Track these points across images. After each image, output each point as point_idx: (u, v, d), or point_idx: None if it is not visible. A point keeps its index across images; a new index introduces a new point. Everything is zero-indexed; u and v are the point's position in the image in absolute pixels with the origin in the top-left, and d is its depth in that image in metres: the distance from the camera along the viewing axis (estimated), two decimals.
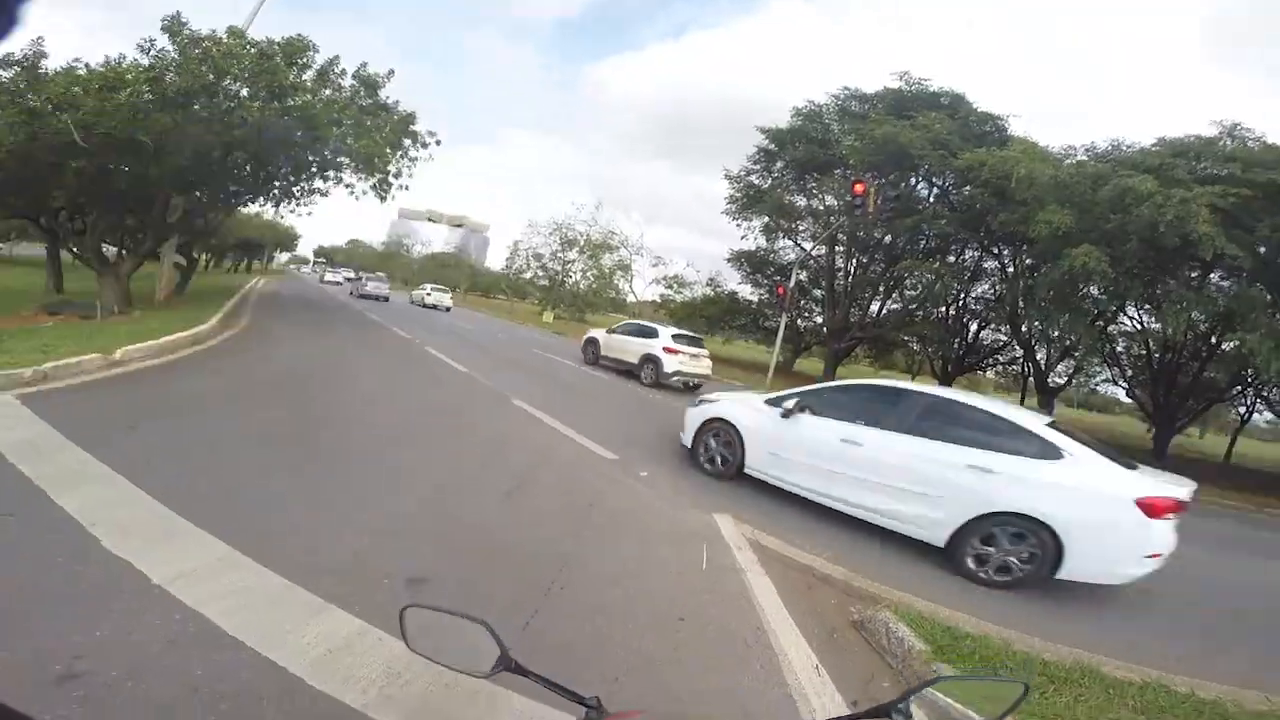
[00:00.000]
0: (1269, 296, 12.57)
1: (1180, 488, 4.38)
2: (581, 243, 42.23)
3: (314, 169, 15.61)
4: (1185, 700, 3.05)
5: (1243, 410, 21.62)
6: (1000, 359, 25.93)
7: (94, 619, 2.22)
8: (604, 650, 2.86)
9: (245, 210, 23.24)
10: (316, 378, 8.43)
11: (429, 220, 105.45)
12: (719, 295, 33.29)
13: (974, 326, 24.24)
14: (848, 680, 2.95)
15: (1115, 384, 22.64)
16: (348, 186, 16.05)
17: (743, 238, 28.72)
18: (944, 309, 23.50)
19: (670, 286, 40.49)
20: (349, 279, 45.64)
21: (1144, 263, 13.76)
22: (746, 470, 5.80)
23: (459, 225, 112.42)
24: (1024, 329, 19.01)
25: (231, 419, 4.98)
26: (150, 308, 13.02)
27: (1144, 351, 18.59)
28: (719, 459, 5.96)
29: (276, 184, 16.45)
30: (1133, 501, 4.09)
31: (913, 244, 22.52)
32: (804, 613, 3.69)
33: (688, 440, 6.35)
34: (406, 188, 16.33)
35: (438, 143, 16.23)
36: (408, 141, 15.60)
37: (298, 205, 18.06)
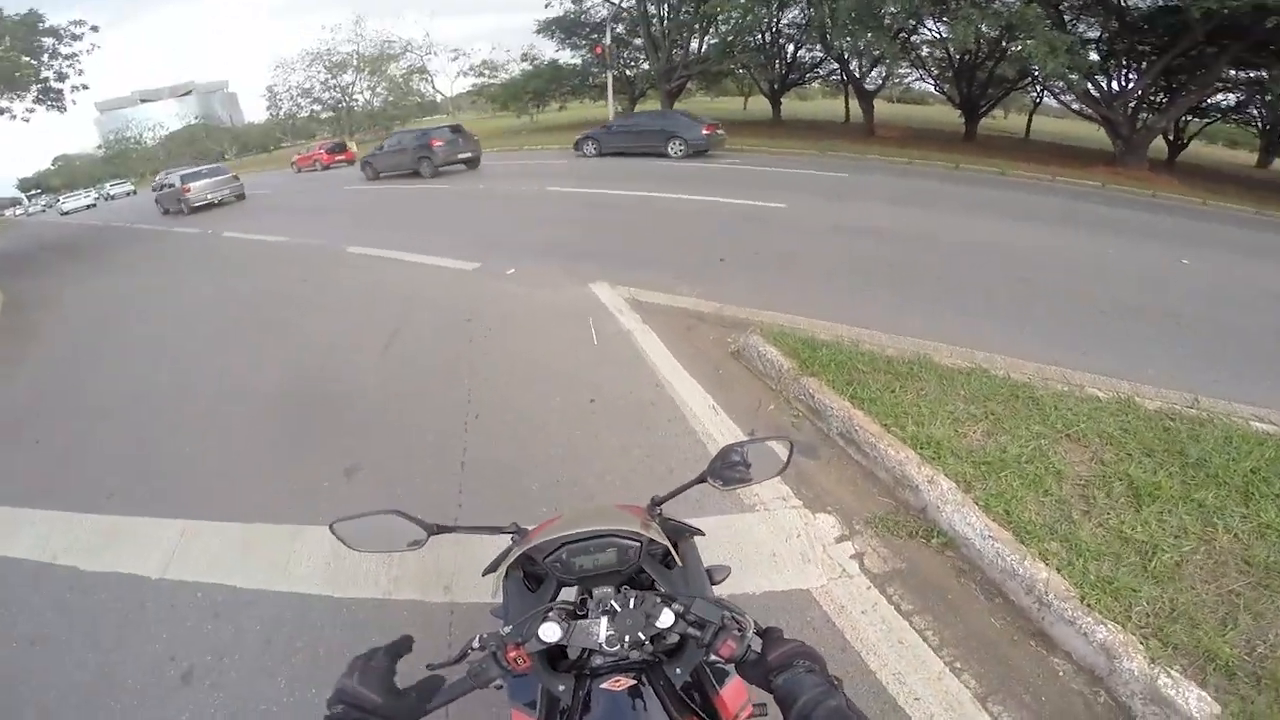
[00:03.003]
0: (1042, 11, 14.47)
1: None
2: (355, 62, 39.69)
3: None
4: (1003, 384, 3.25)
5: (1034, 96, 25.56)
6: (820, 73, 28.24)
7: None
8: (536, 455, 3.11)
9: None
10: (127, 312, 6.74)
11: (143, 102, 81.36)
12: (539, 68, 32.80)
13: (790, 48, 25.95)
14: (740, 411, 3.39)
15: (924, 81, 26.43)
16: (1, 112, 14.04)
17: (548, 5, 27.66)
18: (760, 36, 24.72)
19: (482, 74, 39.85)
20: (111, 195, 35.93)
21: None
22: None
23: (186, 93, 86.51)
24: (835, 45, 20.38)
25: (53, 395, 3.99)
26: None
27: (945, 55, 21.75)
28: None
29: None
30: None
31: None
32: (690, 356, 4.06)
33: None
34: (86, 87, 14.97)
35: (93, 29, 14.50)
36: (49, 41, 13.77)
37: None
